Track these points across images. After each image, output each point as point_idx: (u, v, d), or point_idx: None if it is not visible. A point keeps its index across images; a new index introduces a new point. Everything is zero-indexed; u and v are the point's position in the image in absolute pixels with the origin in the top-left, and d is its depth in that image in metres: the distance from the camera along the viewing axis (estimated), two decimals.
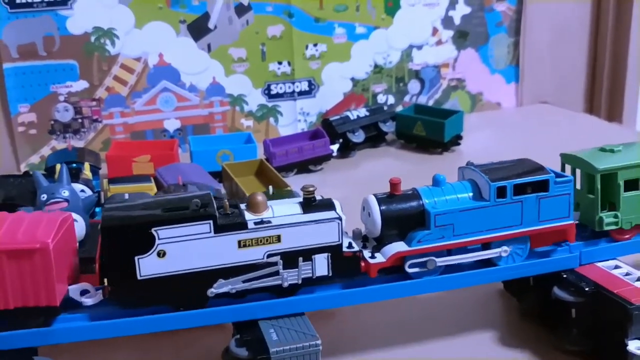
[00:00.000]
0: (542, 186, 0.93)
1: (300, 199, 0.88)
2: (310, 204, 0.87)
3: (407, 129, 1.90)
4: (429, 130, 1.86)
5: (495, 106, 2.27)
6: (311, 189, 0.88)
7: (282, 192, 1.18)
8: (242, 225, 0.82)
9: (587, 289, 0.91)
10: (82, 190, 1.16)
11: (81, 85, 1.81)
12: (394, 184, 0.92)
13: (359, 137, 1.86)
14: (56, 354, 0.85)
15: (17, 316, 0.78)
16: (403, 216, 0.91)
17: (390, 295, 0.91)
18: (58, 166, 1.22)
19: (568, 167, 1.04)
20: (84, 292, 0.83)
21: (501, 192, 0.91)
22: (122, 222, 0.79)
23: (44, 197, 1.03)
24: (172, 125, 1.92)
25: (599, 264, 0.97)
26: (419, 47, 2.12)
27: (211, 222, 0.81)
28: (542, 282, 0.97)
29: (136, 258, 0.79)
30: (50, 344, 0.80)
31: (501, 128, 2.10)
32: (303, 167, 1.73)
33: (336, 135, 1.81)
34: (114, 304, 0.81)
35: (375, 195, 0.92)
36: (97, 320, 0.82)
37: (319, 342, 0.81)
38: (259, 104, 1.98)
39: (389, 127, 1.93)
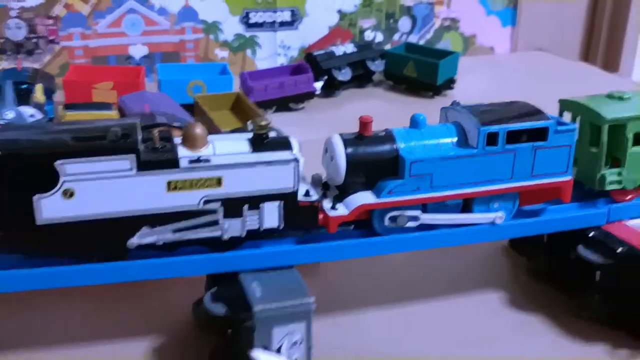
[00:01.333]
0: (540, 134, 0.78)
1: (250, 136, 0.73)
2: (261, 142, 0.72)
3: (397, 69, 1.75)
4: (421, 72, 1.70)
5: (489, 50, 2.12)
6: (264, 122, 0.73)
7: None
8: (173, 163, 0.67)
9: (618, 249, 0.80)
10: (32, 115, 1.01)
11: None
12: (364, 123, 0.77)
13: (345, 74, 1.70)
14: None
15: None
16: (372, 162, 0.76)
17: (353, 254, 0.78)
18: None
19: (567, 115, 0.89)
20: None
21: (492, 139, 0.77)
22: (15, 151, 0.64)
23: None
24: (138, 51, 1.75)
25: (629, 223, 0.86)
26: None
27: (133, 156, 0.66)
28: (558, 241, 0.86)
29: (35, 198, 0.64)
30: None
31: (495, 73, 1.97)
32: (283, 104, 1.57)
33: (320, 72, 1.65)
34: (8, 253, 0.67)
35: (340, 135, 0.77)
36: None
37: (311, 300, 0.68)
38: (235, 34, 1.81)
39: (377, 66, 1.77)
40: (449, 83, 1.74)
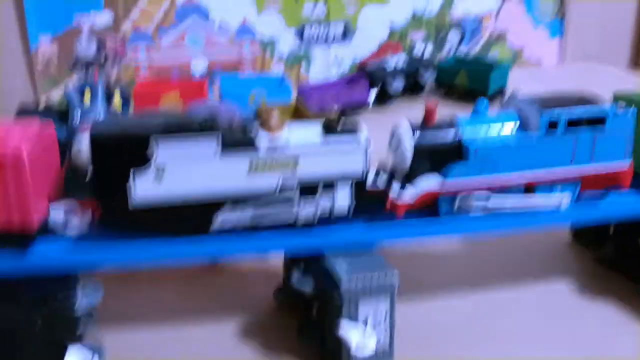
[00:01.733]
0: (599, 120, 0.81)
1: (322, 123, 0.78)
2: (333, 128, 0.77)
3: (448, 79, 1.79)
4: (472, 81, 1.74)
5: (537, 63, 2.14)
6: (334, 114, 0.77)
7: None
8: (254, 144, 0.72)
9: None
10: None
11: (105, 17, 1.72)
12: (429, 111, 0.81)
13: (397, 85, 1.75)
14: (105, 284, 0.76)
15: None
16: (437, 148, 0.80)
17: (425, 233, 0.81)
18: (87, 93, 1.15)
19: None
20: (68, 214, 0.73)
21: (552, 125, 0.80)
22: (114, 133, 0.70)
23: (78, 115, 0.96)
24: (199, 66, 1.83)
25: None
26: None
27: (218, 137, 0.71)
28: (625, 229, 0.88)
29: (131, 178, 0.70)
30: (27, 274, 0.70)
31: (545, 85, 1.97)
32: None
33: (373, 83, 1.70)
34: (104, 229, 0.72)
35: (406, 122, 0.81)
36: (84, 247, 0.73)
37: (395, 273, 0.73)
38: (290, 49, 1.88)
39: (428, 77, 1.81)
40: (500, 92, 1.76)
